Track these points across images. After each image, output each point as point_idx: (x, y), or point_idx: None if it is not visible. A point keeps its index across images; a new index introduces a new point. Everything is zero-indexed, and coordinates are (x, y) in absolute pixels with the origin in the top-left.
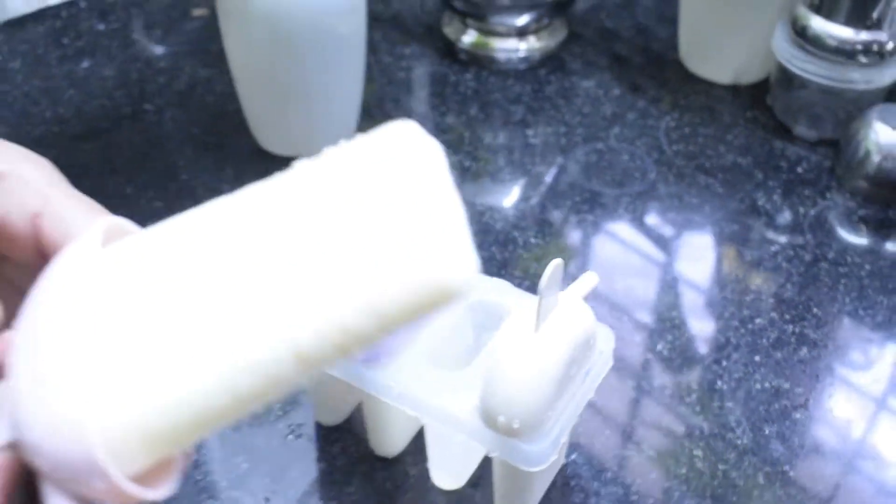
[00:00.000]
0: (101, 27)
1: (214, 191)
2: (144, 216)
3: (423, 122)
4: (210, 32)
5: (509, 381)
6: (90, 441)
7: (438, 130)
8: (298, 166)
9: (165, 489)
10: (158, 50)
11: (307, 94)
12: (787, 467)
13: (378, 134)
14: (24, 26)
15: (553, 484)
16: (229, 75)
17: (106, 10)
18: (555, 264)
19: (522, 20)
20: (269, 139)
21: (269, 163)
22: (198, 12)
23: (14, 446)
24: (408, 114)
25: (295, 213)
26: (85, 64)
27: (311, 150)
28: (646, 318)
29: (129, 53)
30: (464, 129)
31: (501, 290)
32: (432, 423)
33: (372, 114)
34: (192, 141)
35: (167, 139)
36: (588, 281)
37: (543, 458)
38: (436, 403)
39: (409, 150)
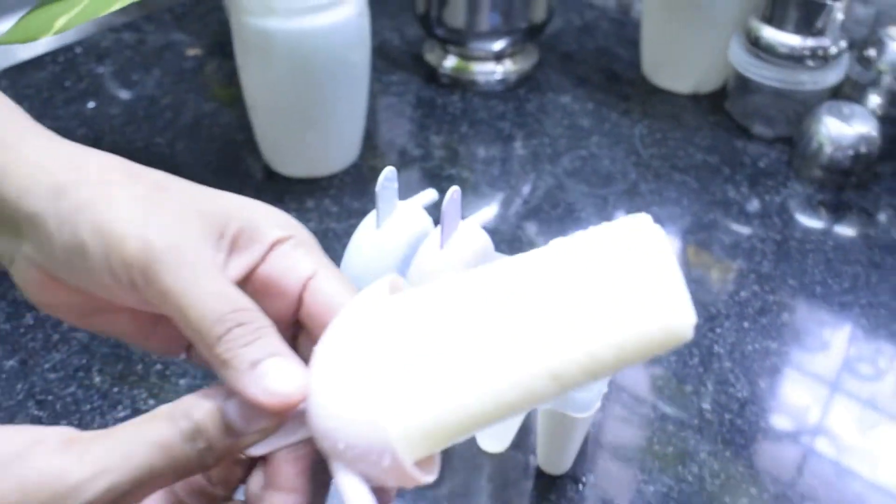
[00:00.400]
0: (100, 70)
1: None
2: None
3: (418, 143)
4: (205, 69)
5: None
6: (387, 431)
7: (433, 147)
8: (554, 242)
9: (431, 476)
10: (159, 89)
11: (322, 119)
12: (779, 416)
13: (621, 221)
14: (25, 72)
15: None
16: (232, 107)
17: (102, 54)
18: (454, 189)
19: (499, 45)
20: (283, 162)
21: (284, 184)
22: (192, 52)
23: (311, 440)
24: (403, 134)
25: (557, 272)
26: (91, 104)
27: (323, 170)
28: None
29: (131, 93)
30: (457, 145)
31: None
32: None
33: (371, 136)
34: (208, 168)
35: (183, 168)
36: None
37: (590, 404)
38: None
39: (645, 231)
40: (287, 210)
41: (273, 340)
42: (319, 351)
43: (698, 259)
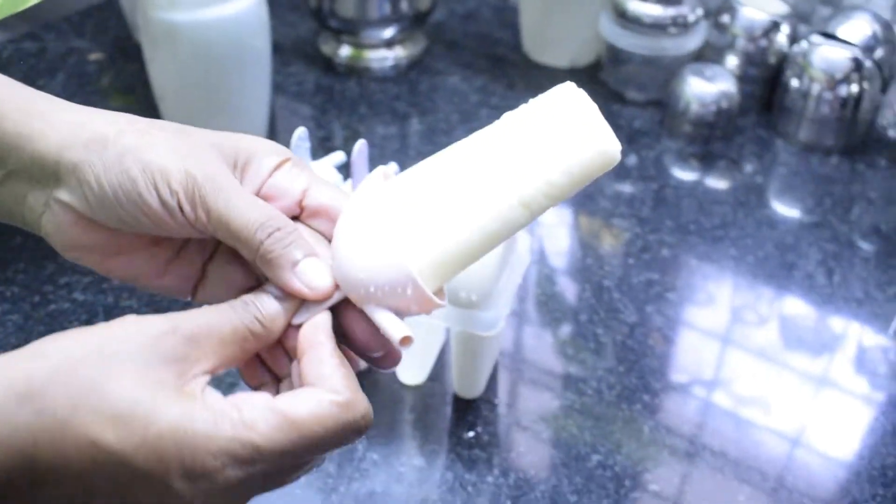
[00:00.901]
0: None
1: None
2: None
3: (319, 124)
4: (109, 72)
5: None
6: (408, 267)
7: (335, 129)
8: (505, 115)
9: (444, 302)
10: (64, 92)
11: (228, 104)
12: (668, 332)
13: (554, 90)
14: None
15: (494, 369)
16: (138, 104)
17: (4, 63)
18: (361, 142)
19: (389, 33)
20: None
21: None
22: (93, 57)
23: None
24: (306, 119)
25: (513, 130)
26: None
27: None
28: (538, 238)
29: None
30: (358, 125)
31: None
32: None
33: (276, 122)
34: None
35: None
36: None
37: (494, 322)
38: None
39: (572, 93)
40: None
41: (305, 241)
42: (339, 228)
43: (585, 210)
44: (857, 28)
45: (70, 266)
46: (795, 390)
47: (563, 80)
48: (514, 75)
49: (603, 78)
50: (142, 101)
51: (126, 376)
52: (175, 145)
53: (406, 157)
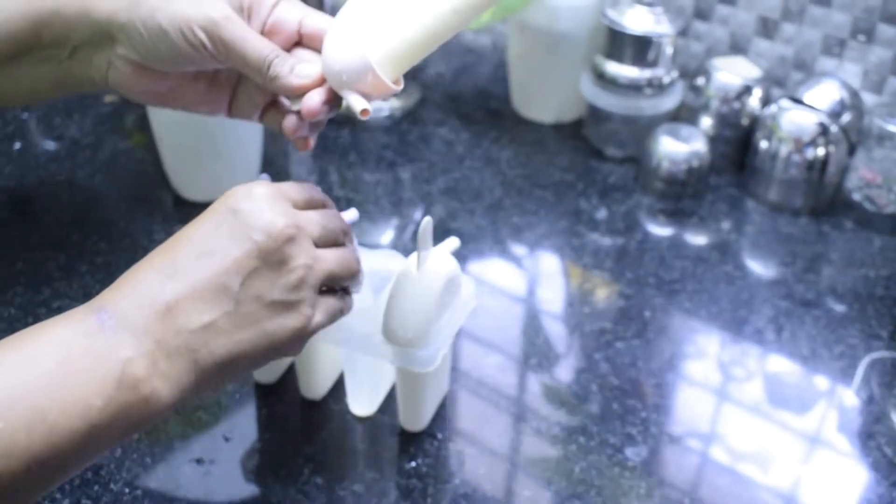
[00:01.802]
0: (24, 116)
1: (148, 233)
2: (91, 257)
3: (311, 169)
4: (121, 113)
5: (403, 300)
6: (367, 58)
7: (325, 173)
8: None
9: (399, 87)
10: (79, 131)
11: (222, 147)
12: (612, 379)
13: None
14: None
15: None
16: (145, 146)
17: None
18: (426, 220)
19: None
20: (189, 189)
21: (192, 208)
22: (109, 99)
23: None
24: (298, 162)
25: None
26: (17, 146)
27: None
28: (504, 282)
29: (54, 135)
30: (346, 171)
31: (391, 258)
32: (349, 350)
33: (269, 164)
34: (123, 197)
35: (101, 198)
36: (452, 243)
37: (430, 360)
38: (350, 335)
39: None
40: None
41: (298, 58)
42: (326, 38)
43: (552, 258)
44: (826, 94)
45: (63, 291)
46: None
47: (548, 135)
48: (501, 128)
49: (585, 134)
50: (150, 146)
51: None
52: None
53: (387, 204)
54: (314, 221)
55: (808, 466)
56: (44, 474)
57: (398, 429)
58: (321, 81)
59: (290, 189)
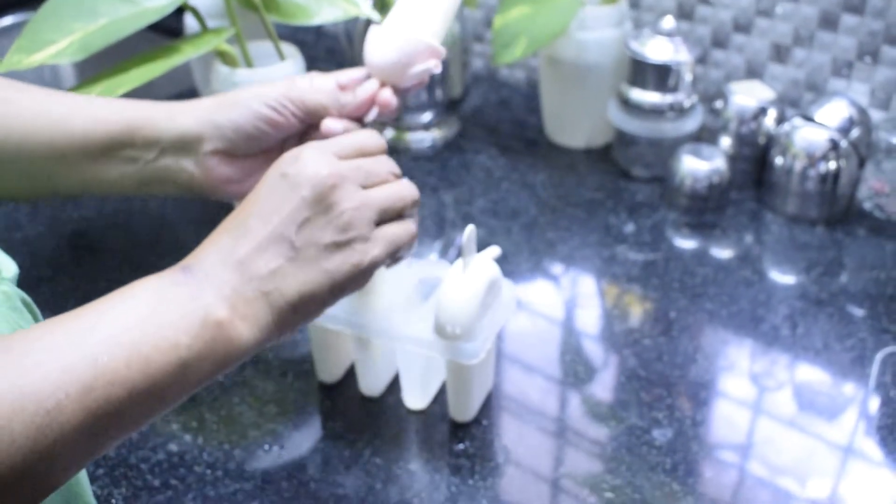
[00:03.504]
0: None
1: None
2: None
3: None
4: None
5: (452, 300)
6: (416, 35)
7: None
8: None
9: (444, 51)
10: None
11: None
12: (641, 371)
13: None
14: None
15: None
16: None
17: None
18: (470, 228)
19: (426, 117)
20: None
21: None
22: None
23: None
24: None
25: None
26: None
27: None
28: (540, 289)
29: None
30: None
31: (439, 267)
32: (403, 347)
33: None
34: (191, 221)
35: (174, 223)
36: (493, 250)
37: (476, 353)
38: (404, 333)
39: None
40: None
41: (353, 90)
42: (370, 44)
43: (586, 269)
44: (836, 112)
45: None
46: (779, 434)
47: (579, 159)
48: (536, 154)
49: (613, 157)
50: None
51: None
52: (255, 90)
53: (435, 223)
54: (358, 167)
55: (827, 449)
56: (144, 401)
57: (448, 419)
58: (376, 91)
59: (334, 145)
